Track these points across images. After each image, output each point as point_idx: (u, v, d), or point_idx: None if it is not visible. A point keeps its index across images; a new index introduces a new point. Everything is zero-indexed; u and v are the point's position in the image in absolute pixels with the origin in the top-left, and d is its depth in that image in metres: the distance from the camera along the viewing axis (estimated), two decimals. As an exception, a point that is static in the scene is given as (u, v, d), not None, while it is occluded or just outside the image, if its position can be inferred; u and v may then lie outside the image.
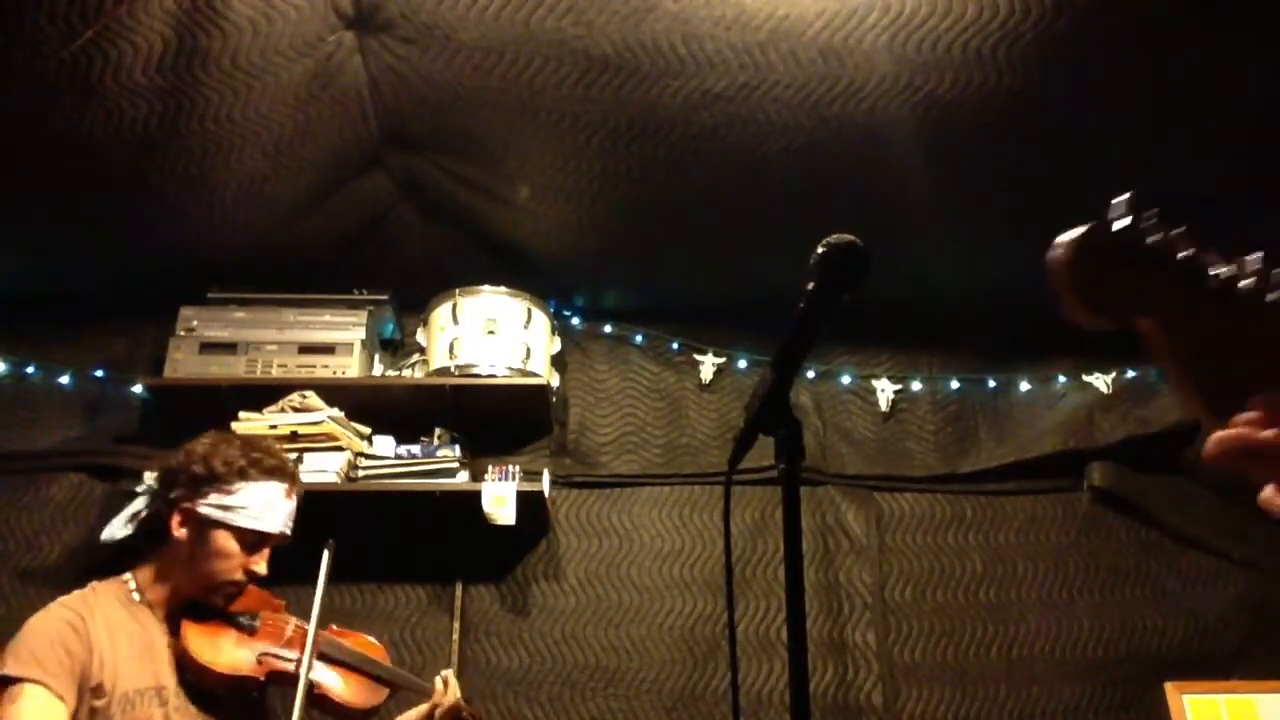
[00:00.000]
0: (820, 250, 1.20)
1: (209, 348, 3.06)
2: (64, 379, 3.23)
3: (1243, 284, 0.65)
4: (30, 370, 3.24)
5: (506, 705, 2.96)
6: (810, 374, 3.40)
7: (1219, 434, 0.67)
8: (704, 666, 3.03)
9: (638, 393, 3.39)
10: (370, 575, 3.06)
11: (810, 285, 1.21)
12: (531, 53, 2.44)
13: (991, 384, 3.41)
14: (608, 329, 3.45)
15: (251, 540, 2.00)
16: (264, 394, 2.96)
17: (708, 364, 3.40)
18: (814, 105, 2.55)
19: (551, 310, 3.28)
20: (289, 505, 2.07)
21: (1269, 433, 0.66)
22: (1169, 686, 3.01)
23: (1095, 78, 2.45)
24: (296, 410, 2.93)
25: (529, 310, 3.12)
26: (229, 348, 3.06)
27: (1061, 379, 3.38)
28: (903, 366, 3.46)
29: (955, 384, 3.41)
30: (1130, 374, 3.36)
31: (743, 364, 3.40)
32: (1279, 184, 2.77)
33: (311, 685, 1.99)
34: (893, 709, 3.00)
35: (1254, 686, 3.00)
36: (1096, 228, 0.62)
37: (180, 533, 1.99)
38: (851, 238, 1.20)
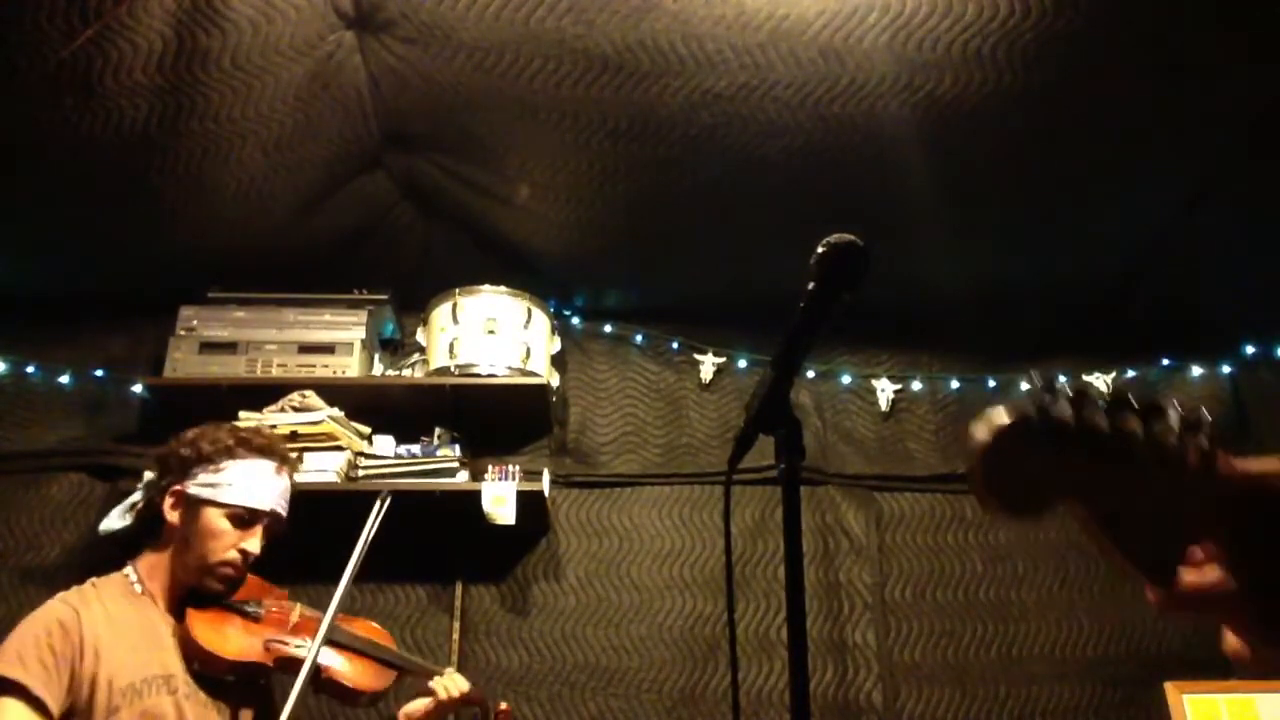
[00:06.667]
0: (820, 250, 1.20)
1: (209, 347, 3.06)
2: (64, 379, 3.23)
3: (1164, 444, 0.64)
4: (30, 370, 3.24)
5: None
6: (810, 374, 3.40)
7: (1181, 588, 0.66)
8: (704, 666, 3.03)
9: (638, 392, 3.39)
10: (370, 575, 3.04)
11: (810, 285, 1.21)
12: (531, 52, 2.44)
13: (991, 384, 3.41)
14: (608, 329, 3.45)
15: (242, 517, 2.02)
16: (264, 394, 2.96)
17: (708, 364, 3.40)
18: (814, 105, 2.55)
19: (551, 310, 3.28)
20: (279, 483, 2.09)
21: (1212, 576, 0.66)
22: (1169, 686, 3.01)
23: (1095, 77, 2.45)
24: (296, 410, 2.93)
25: (529, 310, 3.12)
26: (229, 347, 3.06)
27: (1061, 379, 3.36)
28: (903, 366, 3.46)
29: (955, 384, 3.41)
30: (1130, 374, 3.36)
31: (743, 364, 3.40)
32: (1277, 184, 2.77)
33: (318, 669, 2.00)
34: (893, 709, 3.00)
35: (1254, 686, 3.00)
36: (1006, 427, 0.60)
37: (173, 515, 2.02)
38: (852, 237, 1.20)
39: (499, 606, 3.09)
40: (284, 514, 2.10)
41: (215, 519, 2.00)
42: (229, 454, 2.04)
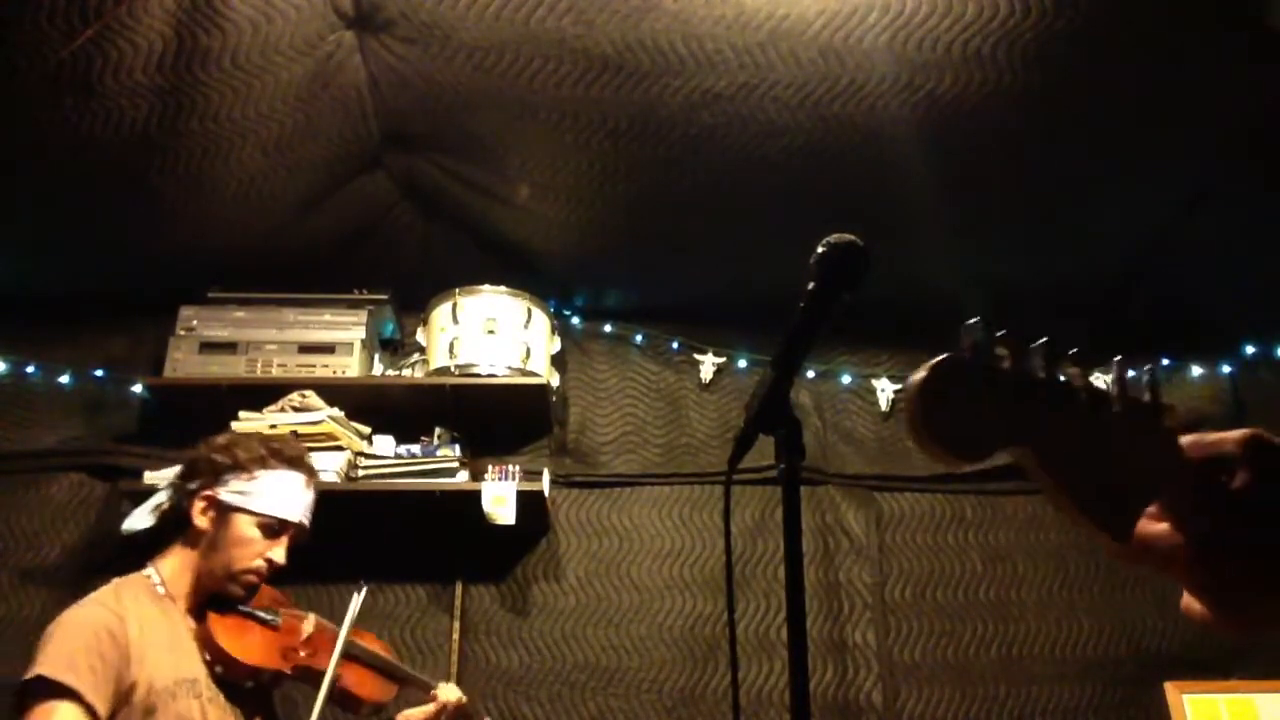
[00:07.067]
0: (820, 250, 1.20)
1: (209, 347, 3.06)
2: (64, 379, 3.23)
3: (1108, 396, 0.64)
4: (30, 370, 3.24)
5: (506, 705, 2.96)
6: (810, 374, 3.40)
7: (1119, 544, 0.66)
8: (704, 666, 3.03)
9: (638, 392, 3.39)
10: (370, 575, 3.04)
11: (810, 285, 1.21)
12: (531, 52, 2.44)
13: (991, 384, 3.40)
14: (608, 329, 3.45)
15: (272, 527, 2.05)
16: (264, 394, 2.96)
17: (708, 364, 3.40)
18: (814, 105, 2.55)
19: (551, 310, 3.27)
20: (308, 496, 2.13)
21: (1161, 529, 0.66)
22: (1169, 686, 3.01)
23: (1095, 77, 2.45)
24: (296, 410, 2.93)
25: (529, 310, 3.12)
26: (229, 347, 3.06)
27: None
28: (903, 366, 3.45)
29: (955, 384, 3.40)
30: (1130, 374, 3.35)
31: (743, 364, 3.40)
32: (1277, 184, 2.77)
33: (335, 681, 2.06)
34: (893, 709, 3.00)
35: (1254, 686, 3.00)
36: (942, 362, 0.60)
37: (202, 520, 2.03)
38: (852, 237, 1.20)
39: (499, 606, 3.09)
40: (308, 526, 2.14)
41: (246, 526, 2.03)
42: (263, 464, 2.07)
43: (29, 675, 1.76)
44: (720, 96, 2.54)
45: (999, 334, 0.62)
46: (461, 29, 2.40)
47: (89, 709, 1.76)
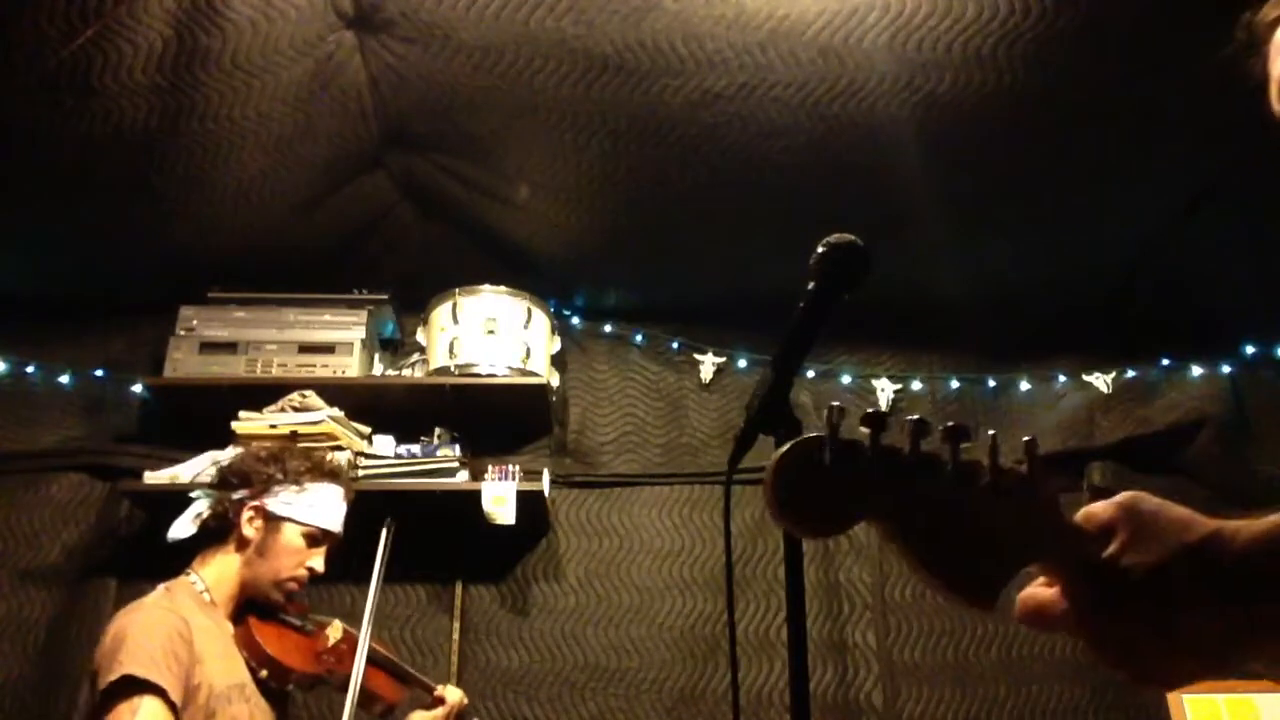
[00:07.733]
0: (820, 250, 1.20)
1: (209, 347, 3.06)
2: (64, 379, 3.23)
3: (976, 468, 0.65)
4: (30, 370, 3.24)
5: (506, 705, 2.96)
6: (810, 374, 3.40)
7: (1021, 606, 0.67)
8: (704, 666, 3.03)
9: (638, 392, 3.39)
10: (370, 575, 3.05)
11: (810, 285, 1.21)
12: (531, 53, 2.45)
13: (991, 384, 3.41)
14: (608, 329, 3.45)
15: (316, 537, 2.14)
16: (264, 394, 2.96)
17: (708, 364, 3.40)
18: (814, 105, 2.55)
19: (551, 310, 3.27)
20: (344, 508, 2.23)
21: (1051, 595, 0.67)
22: (1169, 686, 3.01)
23: (1095, 77, 2.45)
24: (296, 410, 2.93)
25: (529, 310, 3.12)
26: (229, 347, 3.06)
27: (1061, 379, 3.38)
28: (903, 366, 3.45)
29: (955, 384, 3.41)
30: (1130, 374, 3.36)
31: (743, 364, 3.40)
32: (1278, 184, 2.77)
33: (361, 684, 2.14)
34: (893, 709, 3.00)
35: (1254, 686, 3.00)
36: (797, 444, 0.61)
37: (249, 529, 2.09)
38: (851, 237, 1.20)
39: (499, 606, 3.08)
40: (342, 537, 2.22)
41: (293, 536, 2.11)
42: (310, 476, 2.15)
43: (114, 676, 1.78)
44: (720, 96, 2.54)
45: (867, 413, 0.63)
46: (461, 29, 2.40)
47: (172, 707, 1.80)
